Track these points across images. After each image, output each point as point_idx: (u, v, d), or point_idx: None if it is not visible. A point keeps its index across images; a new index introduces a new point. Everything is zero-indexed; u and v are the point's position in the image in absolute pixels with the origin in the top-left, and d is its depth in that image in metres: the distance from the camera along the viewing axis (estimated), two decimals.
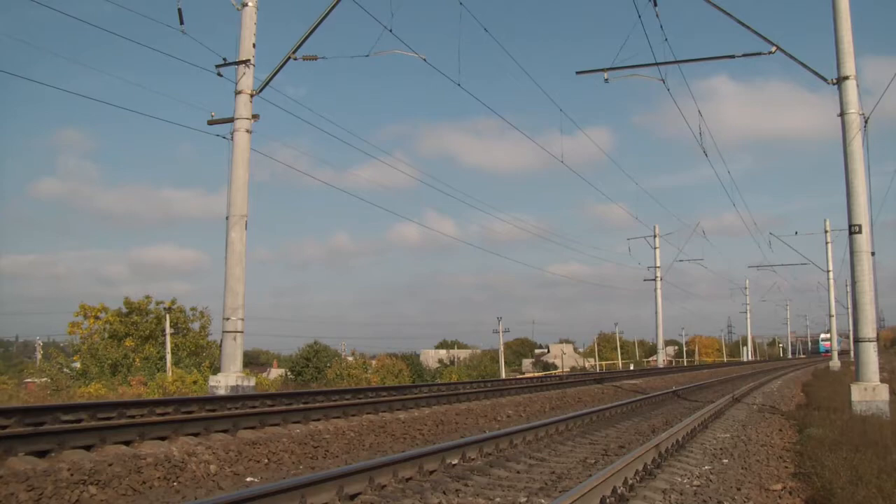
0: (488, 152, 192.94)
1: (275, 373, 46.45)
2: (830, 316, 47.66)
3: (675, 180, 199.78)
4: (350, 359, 44.97)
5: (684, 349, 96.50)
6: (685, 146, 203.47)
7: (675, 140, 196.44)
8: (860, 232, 13.23)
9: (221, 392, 14.28)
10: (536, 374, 52.12)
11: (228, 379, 14.59)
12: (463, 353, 76.95)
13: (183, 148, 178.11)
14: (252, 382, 15.34)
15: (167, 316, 35.10)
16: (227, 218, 15.32)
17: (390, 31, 15.24)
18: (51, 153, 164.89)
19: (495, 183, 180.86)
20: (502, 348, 53.22)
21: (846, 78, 13.56)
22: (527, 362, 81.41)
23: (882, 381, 13.15)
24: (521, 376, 42.88)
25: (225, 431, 8.88)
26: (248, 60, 15.59)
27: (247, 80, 15.57)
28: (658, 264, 45.88)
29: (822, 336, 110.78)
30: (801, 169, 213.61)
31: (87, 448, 7.26)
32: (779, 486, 7.06)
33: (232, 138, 15.49)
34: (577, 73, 17.29)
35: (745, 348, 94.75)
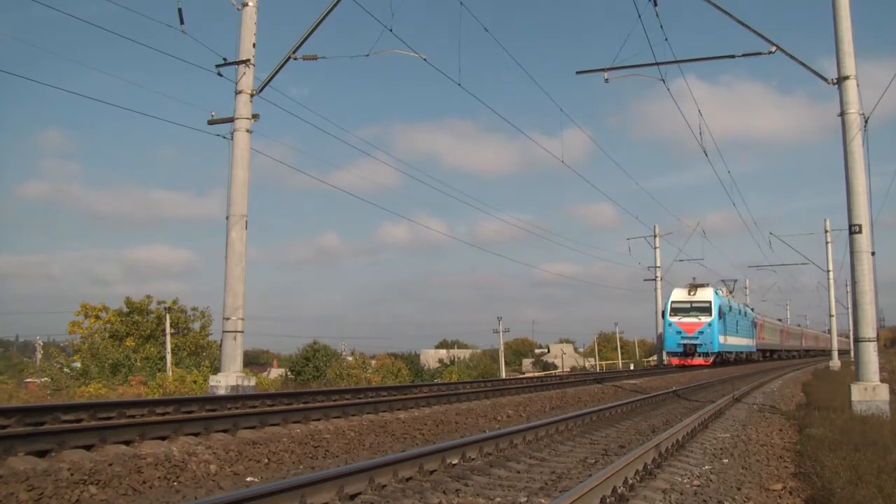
0: (470, 153, 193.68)
1: (275, 372, 46.44)
2: (831, 316, 47.60)
3: (665, 181, 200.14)
4: (350, 358, 44.93)
5: None
6: (666, 147, 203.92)
7: (652, 140, 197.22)
8: (860, 232, 13.23)
9: (221, 392, 14.29)
10: (536, 374, 52.12)
11: (229, 379, 14.59)
12: (463, 353, 76.94)
13: (170, 149, 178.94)
14: (252, 382, 15.35)
15: (167, 316, 35.11)
16: (227, 217, 15.34)
17: (390, 30, 15.26)
18: (36, 154, 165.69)
19: (478, 184, 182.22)
20: (502, 348, 53.22)
21: (846, 78, 13.57)
22: (527, 362, 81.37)
23: (882, 380, 13.15)
24: (521, 376, 42.86)
25: (225, 431, 8.88)
26: (248, 60, 15.59)
27: (247, 79, 15.57)
28: (658, 264, 45.91)
29: (671, 316, 38.93)
30: (788, 170, 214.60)
31: (88, 448, 7.27)
32: (779, 486, 7.06)
33: (232, 138, 15.51)
34: (578, 72, 17.24)
35: None
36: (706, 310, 38.11)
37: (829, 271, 43.76)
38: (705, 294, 38.94)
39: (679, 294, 39.81)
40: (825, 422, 11.04)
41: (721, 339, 38.47)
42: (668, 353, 39.56)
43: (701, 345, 37.71)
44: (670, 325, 38.73)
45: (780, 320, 66.92)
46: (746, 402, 17.27)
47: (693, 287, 39.78)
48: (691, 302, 38.82)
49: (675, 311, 38.86)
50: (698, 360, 37.59)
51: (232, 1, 15.87)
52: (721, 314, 38.60)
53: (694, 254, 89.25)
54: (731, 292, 46.15)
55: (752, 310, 52.64)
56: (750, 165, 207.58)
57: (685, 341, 37.92)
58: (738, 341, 43.37)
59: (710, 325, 37.70)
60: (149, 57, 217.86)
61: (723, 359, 40.25)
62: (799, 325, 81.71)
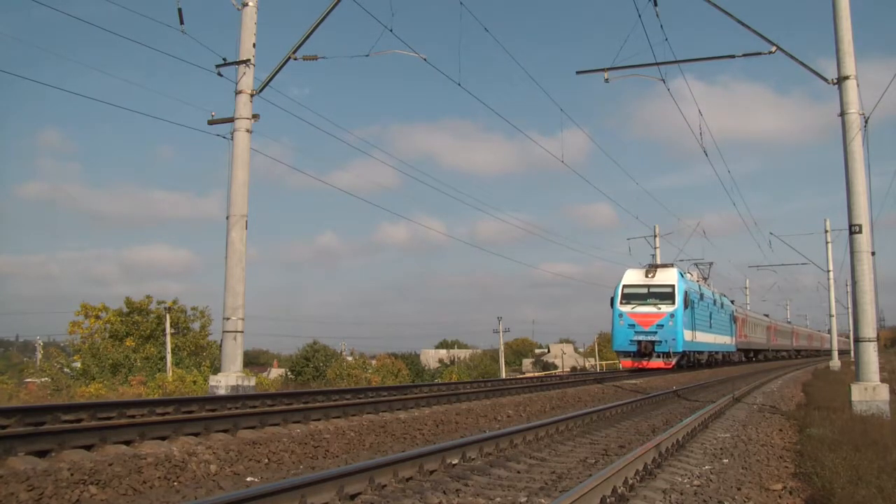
0: (469, 153, 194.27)
1: (275, 372, 46.46)
2: (831, 316, 47.62)
3: (665, 181, 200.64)
4: (350, 359, 44.99)
5: None
6: (666, 147, 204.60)
7: (652, 140, 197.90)
8: (860, 232, 13.23)
9: (222, 392, 14.29)
10: (537, 374, 52.13)
11: (229, 379, 14.59)
12: (463, 353, 77.02)
13: (169, 149, 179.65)
14: (252, 382, 15.34)
15: (167, 316, 35.12)
16: (227, 218, 15.34)
17: (390, 30, 15.26)
18: (35, 154, 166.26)
19: (477, 184, 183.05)
20: (502, 348, 53.33)
21: (846, 78, 13.57)
22: (527, 362, 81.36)
23: (882, 380, 13.16)
24: (521, 376, 42.88)
25: (225, 431, 8.88)
26: (249, 60, 15.59)
27: (247, 79, 15.57)
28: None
29: (622, 304, 29.05)
30: (788, 170, 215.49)
31: (88, 448, 7.26)
32: (779, 486, 7.06)
33: (232, 138, 15.51)
34: (578, 72, 17.26)
35: None
36: (668, 296, 28.86)
37: (829, 271, 43.82)
38: (667, 276, 29.57)
39: (633, 276, 30.01)
40: (825, 422, 11.04)
41: (687, 334, 29.19)
42: (619, 353, 30.31)
43: (660, 342, 28.39)
44: (621, 315, 29.03)
45: (766, 315, 58.21)
46: (746, 402, 17.27)
47: (652, 268, 30.38)
48: (648, 286, 29.37)
49: (627, 299, 29.34)
50: (656, 363, 28.49)
51: (232, 1, 15.88)
52: (688, 303, 29.24)
53: (694, 254, 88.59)
54: (705, 278, 37.18)
55: (732, 301, 43.39)
56: (750, 165, 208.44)
57: (640, 337, 28.59)
58: (710, 338, 33.62)
59: (672, 315, 28.42)
60: (149, 57, 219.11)
61: (690, 361, 31.41)
62: (790, 322, 78.87)
